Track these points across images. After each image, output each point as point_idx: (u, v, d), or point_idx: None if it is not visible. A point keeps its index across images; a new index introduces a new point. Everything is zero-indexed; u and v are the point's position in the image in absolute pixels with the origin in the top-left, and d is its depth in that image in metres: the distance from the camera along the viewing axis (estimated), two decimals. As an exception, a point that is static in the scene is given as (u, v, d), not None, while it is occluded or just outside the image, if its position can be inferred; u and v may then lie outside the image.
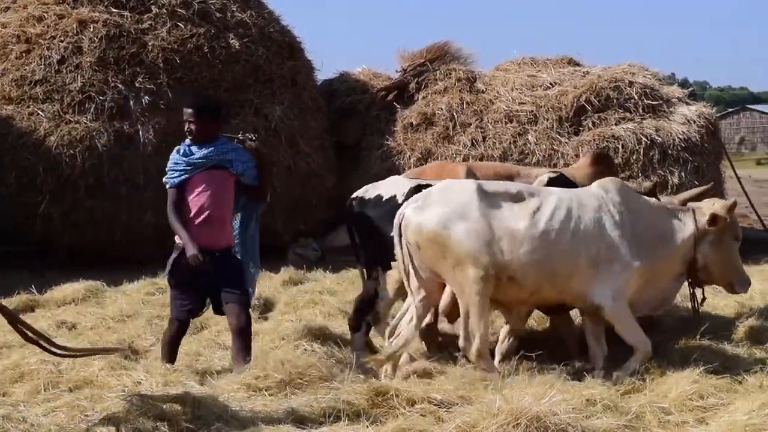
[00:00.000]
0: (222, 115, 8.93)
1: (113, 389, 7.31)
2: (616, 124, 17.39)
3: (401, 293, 8.61)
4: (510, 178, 9.79)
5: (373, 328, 8.91)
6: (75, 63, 16.56)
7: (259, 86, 17.35)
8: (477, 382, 7.49)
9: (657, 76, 19.13)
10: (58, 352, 7.20)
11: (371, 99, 19.52)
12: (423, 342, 8.99)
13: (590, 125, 17.53)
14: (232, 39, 17.20)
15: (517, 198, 7.91)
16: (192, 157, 8.19)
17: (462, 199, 7.81)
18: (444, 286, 8.23)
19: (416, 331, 8.17)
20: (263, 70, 17.46)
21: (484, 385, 7.39)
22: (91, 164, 15.89)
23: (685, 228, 8.16)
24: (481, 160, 17.32)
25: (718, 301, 10.40)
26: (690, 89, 21.05)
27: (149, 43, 16.84)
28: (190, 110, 8.30)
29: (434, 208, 7.82)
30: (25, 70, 16.53)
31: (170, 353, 8.33)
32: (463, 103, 18.58)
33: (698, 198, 8.78)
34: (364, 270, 9.08)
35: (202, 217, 8.16)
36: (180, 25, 17.11)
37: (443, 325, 9.22)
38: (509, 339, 8.67)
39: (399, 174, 17.48)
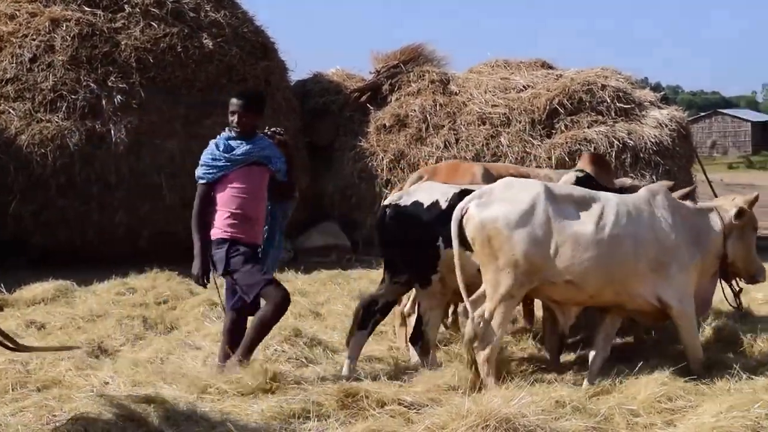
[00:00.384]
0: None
1: (81, 389, 7.28)
2: (588, 127, 17.47)
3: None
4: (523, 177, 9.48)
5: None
6: (47, 61, 16.47)
7: (232, 86, 17.19)
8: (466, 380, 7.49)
9: (630, 79, 19.24)
10: (16, 347, 7.07)
11: (345, 100, 19.56)
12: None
13: (563, 128, 17.61)
14: (205, 39, 17.17)
15: (582, 202, 7.85)
16: (233, 153, 7.90)
17: (527, 200, 7.68)
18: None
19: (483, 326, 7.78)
20: (237, 70, 17.42)
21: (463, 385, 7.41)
22: (62, 163, 15.80)
23: (716, 225, 8.31)
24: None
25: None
26: (662, 93, 21.12)
27: (122, 42, 16.77)
28: (239, 101, 8.07)
29: (498, 205, 7.67)
30: (-4, 68, 16.43)
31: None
32: (436, 104, 18.64)
33: (682, 199, 8.86)
34: (390, 276, 8.52)
35: (240, 213, 7.90)
36: (153, 24, 17.05)
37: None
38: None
39: (372, 174, 17.58)
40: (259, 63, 17.85)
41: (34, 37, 16.66)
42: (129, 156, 16.05)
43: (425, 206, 8.27)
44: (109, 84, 16.44)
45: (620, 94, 18.08)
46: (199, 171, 7.97)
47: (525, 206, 7.61)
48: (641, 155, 17.08)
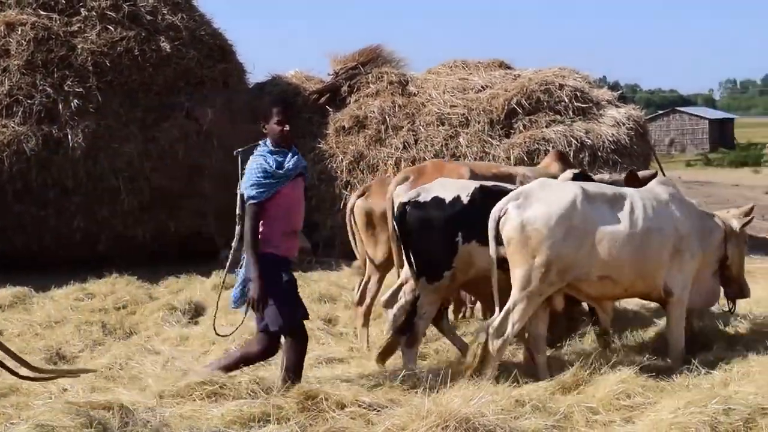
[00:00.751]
0: None
1: (39, 396, 7.23)
2: (546, 127, 17.54)
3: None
4: (506, 178, 9.54)
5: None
6: (2, 66, 16.32)
7: (190, 89, 17.21)
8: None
9: (587, 78, 19.34)
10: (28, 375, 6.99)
11: (303, 102, 19.50)
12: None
13: (521, 128, 17.66)
14: (162, 42, 17.04)
15: (613, 200, 8.09)
16: (286, 167, 7.49)
17: (566, 201, 7.84)
18: None
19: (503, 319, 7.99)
20: (194, 73, 17.31)
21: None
22: (18, 169, 15.64)
23: (718, 227, 8.69)
24: (413, 162, 17.37)
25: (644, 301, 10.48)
26: (620, 92, 21.26)
27: (78, 46, 16.62)
28: (286, 110, 7.72)
29: (538, 206, 7.81)
30: (-49, 73, 16.27)
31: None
32: (395, 106, 18.64)
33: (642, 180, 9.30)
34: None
35: (291, 228, 7.69)
36: (110, 27, 16.90)
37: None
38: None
39: (332, 176, 17.56)
40: (216, 65, 17.73)
41: (-11, 41, 16.50)
42: (86, 160, 15.92)
43: (447, 202, 8.28)
44: (66, 88, 16.28)
45: (578, 93, 18.17)
46: (251, 191, 7.39)
47: (564, 207, 7.79)
48: (599, 154, 17.16)
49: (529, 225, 7.72)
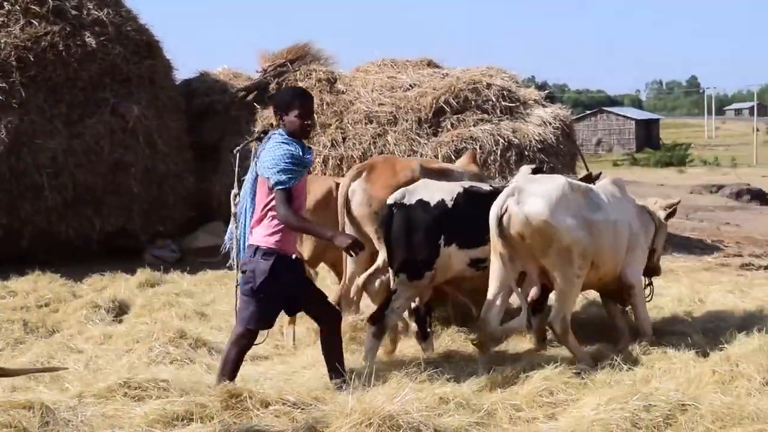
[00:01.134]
0: None
1: (-44, 396, 7.10)
2: (474, 126, 17.59)
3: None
4: (446, 175, 9.51)
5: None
6: (-77, 60, 16.02)
7: (116, 85, 17.02)
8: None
9: (514, 78, 19.46)
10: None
11: (231, 99, 19.40)
12: None
13: (449, 126, 17.69)
14: (88, 37, 16.80)
15: (587, 193, 8.45)
16: (306, 157, 7.36)
17: (559, 192, 8.07)
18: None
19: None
20: (120, 69, 17.11)
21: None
22: (-60, 164, 15.37)
23: (652, 221, 9.24)
24: (341, 160, 17.40)
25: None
26: (547, 91, 21.39)
27: (1, 41, 16.31)
28: (307, 103, 7.55)
29: (536, 200, 7.97)
30: None
31: (236, 369, 7.46)
32: (323, 103, 18.58)
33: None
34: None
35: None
36: (34, 22, 16.63)
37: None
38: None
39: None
40: (143, 61, 17.54)
41: None
42: (9, 156, 15.66)
43: (431, 205, 8.39)
44: (-12, 83, 16.04)
45: (505, 92, 18.25)
46: (280, 177, 7.15)
47: (559, 199, 8.02)
48: (526, 153, 17.24)
49: (534, 218, 7.90)
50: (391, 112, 18.10)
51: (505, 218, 7.97)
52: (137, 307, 11.27)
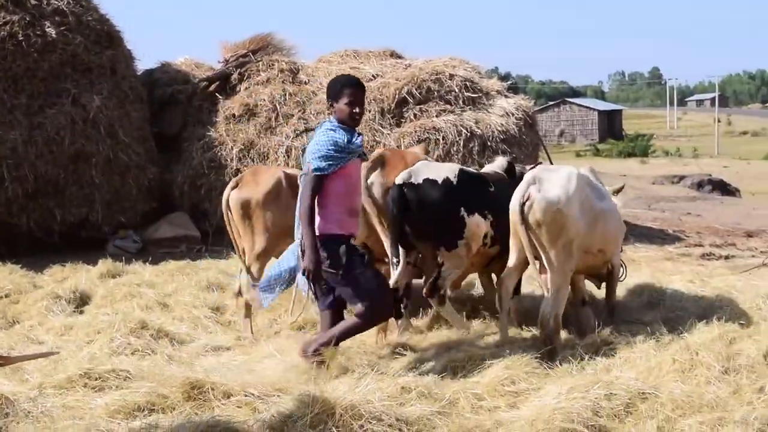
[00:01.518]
0: None
1: None
2: (437, 116, 17.58)
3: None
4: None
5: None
6: None
7: (76, 75, 16.86)
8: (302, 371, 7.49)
9: (477, 69, 19.48)
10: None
11: (193, 89, 19.30)
12: None
13: (412, 117, 17.68)
14: (48, 27, 16.62)
15: (589, 182, 8.88)
16: (353, 144, 7.54)
17: (573, 183, 8.41)
18: None
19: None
20: (81, 59, 16.93)
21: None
22: None
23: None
24: (303, 151, 17.26)
25: (534, 287, 10.62)
26: (510, 82, 21.44)
27: (-40, 31, 16.19)
28: (358, 92, 7.72)
29: (555, 190, 8.29)
30: None
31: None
32: (285, 94, 18.55)
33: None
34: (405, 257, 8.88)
35: (353, 207, 7.68)
36: (-7, 12, 16.47)
37: None
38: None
39: (221, 164, 17.44)
40: (104, 52, 17.37)
41: None
42: (-32, 147, 15.55)
43: (440, 182, 8.75)
44: (-53, 73, 15.88)
45: (468, 83, 18.25)
46: (319, 163, 7.40)
47: (574, 188, 8.36)
48: (488, 143, 17.24)
49: (553, 207, 8.20)
50: (354, 103, 18.04)
51: (527, 206, 8.26)
52: (98, 298, 11.21)
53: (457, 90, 18.01)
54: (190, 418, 6.37)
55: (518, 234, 8.33)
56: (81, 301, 11.18)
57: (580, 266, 8.77)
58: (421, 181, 8.69)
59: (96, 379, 7.20)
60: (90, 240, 16.49)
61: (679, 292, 10.74)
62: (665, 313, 9.71)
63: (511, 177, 9.60)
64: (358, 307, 7.59)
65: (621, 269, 9.61)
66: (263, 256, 9.67)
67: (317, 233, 7.47)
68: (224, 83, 19.39)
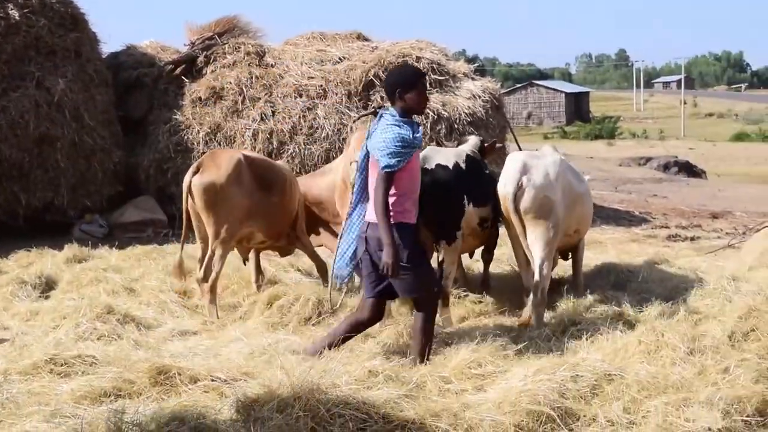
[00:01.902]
0: None
1: None
2: (404, 99, 17.51)
3: None
4: None
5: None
6: None
7: (40, 58, 16.76)
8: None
9: (444, 51, 19.45)
10: None
11: (159, 72, 19.22)
12: None
13: (379, 99, 17.63)
14: (11, 9, 16.48)
15: (570, 167, 9.43)
16: (417, 139, 7.48)
17: (554, 169, 8.97)
18: None
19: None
20: (45, 42, 16.82)
21: None
22: None
23: None
24: (270, 134, 17.34)
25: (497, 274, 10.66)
26: (477, 65, 21.43)
27: None
28: (426, 81, 7.81)
29: (541, 177, 8.84)
30: None
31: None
32: (252, 77, 18.51)
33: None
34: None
35: (416, 197, 7.64)
36: (-46, -6, 16.31)
37: None
38: None
39: (188, 147, 17.37)
40: (68, 34, 17.25)
41: None
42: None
43: (450, 168, 8.89)
44: None
45: (435, 66, 18.26)
46: (389, 160, 7.31)
47: (555, 175, 8.92)
48: (455, 126, 17.25)
49: (540, 194, 8.74)
50: (321, 86, 18.06)
51: (519, 194, 8.70)
52: (64, 283, 11.14)
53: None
54: (157, 403, 6.34)
55: (510, 218, 8.76)
56: (47, 287, 11.11)
57: (559, 246, 9.16)
58: (433, 166, 8.80)
59: (62, 365, 7.15)
60: (55, 224, 16.42)
61: (644, 273, 10.78)
62: (631, 294, 9.74)
63: (483, 157, 9.67)
64: (414, 299, 7.68)
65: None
66: (228, 240, 9.64)
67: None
68: (190, 66, 19.31)
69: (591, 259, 11.95)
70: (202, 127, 17.80)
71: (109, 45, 19.63)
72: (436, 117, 17.25)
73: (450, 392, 6.74)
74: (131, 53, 20.00)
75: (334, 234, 10.78)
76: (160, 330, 9.13)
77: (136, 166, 17.90)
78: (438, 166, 8.79)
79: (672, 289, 9.86)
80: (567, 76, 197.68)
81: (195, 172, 9.60)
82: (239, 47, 19.35)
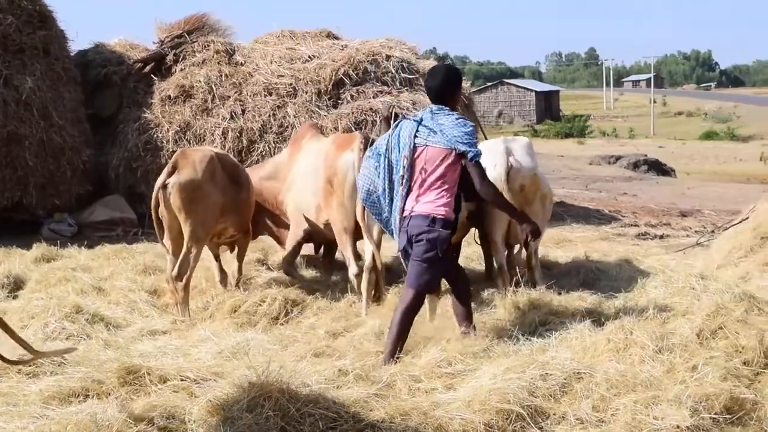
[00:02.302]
0: None
1: None
2: (374, 97, 17.56)
3: None
4: None
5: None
6: None
7: (8, 56, 16.63)
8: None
9: (414, 50, 19.48)
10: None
11: (128, 70, 19.15)
12: None
13: (349, 98, 17.65)
14: (-22, 7, 16.40)
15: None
16: None
17: (532, 152, 10.14)
18: None
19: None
20: (12, 40, 16.70)
21: None
22: None
23: None
24: (240, 132, 17.30)
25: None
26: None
27: None
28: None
29: (529, 159, 9.96)
30: None
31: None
32: (221, 75, 18.47)
33: None
34: None
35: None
36: None
37: None
38: None
39: (157, 146, 17.30)
40: (36, 32, 17.14)
41: None
42: None
43: None
44: None
45: (404, 64, 18.26)
46: (477, 149, 7.54)
47: (533, 154, 10.15)
48: (426, 125, 17.25)
49: (530, 173, 9.82)
50: (291, 84, 18.02)
51: (511, 173, 9.55)
52: (33, 282, 11.05)
53: (393, 71, 18.01)
54: (126, 403, 6.31)
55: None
56: (15, 286, 11.04)
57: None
58: None
59: (30, 365, 7.11)
60: (24, 223, 16.32)
61: (614, 271, 10.82)
62: (600, 292, 9.78)
63: None
64: (407, 289, 7.67)
65: None
66: (204, 238, 9.64)
67: (442, 214, 7.54)
68: (159, 64, 19.25)
69: (561, 257, 11.99)
70: (171, 126, 17.74)
71: (78, 43, 19.55)
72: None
73: (420, 391, 6.74)
74: (100, 51, 19.91)
75: (276, 224, 11.25)
76: (129, 329, 9.08)
77: (106, 165, 17.82)
78: None
79: (641, 288, 9.88)
80: (537, 75, 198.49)
81: (171, 172, 9.56)
82: (208, 45, 19.29)
